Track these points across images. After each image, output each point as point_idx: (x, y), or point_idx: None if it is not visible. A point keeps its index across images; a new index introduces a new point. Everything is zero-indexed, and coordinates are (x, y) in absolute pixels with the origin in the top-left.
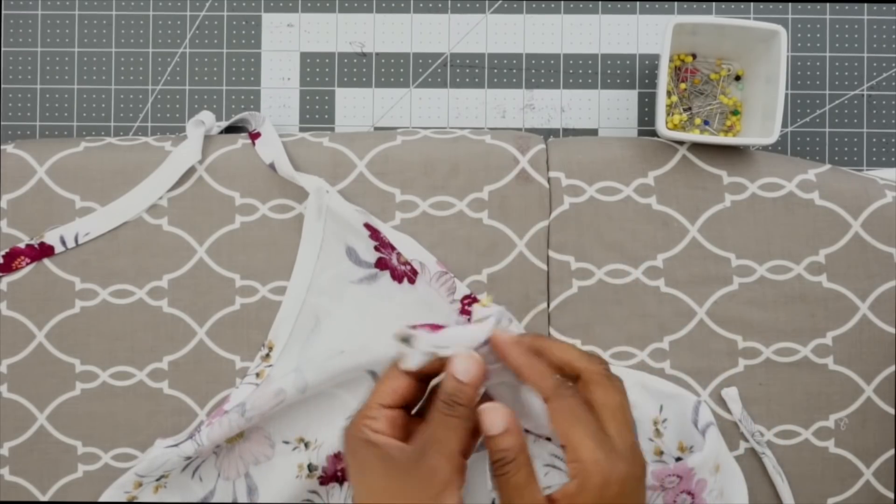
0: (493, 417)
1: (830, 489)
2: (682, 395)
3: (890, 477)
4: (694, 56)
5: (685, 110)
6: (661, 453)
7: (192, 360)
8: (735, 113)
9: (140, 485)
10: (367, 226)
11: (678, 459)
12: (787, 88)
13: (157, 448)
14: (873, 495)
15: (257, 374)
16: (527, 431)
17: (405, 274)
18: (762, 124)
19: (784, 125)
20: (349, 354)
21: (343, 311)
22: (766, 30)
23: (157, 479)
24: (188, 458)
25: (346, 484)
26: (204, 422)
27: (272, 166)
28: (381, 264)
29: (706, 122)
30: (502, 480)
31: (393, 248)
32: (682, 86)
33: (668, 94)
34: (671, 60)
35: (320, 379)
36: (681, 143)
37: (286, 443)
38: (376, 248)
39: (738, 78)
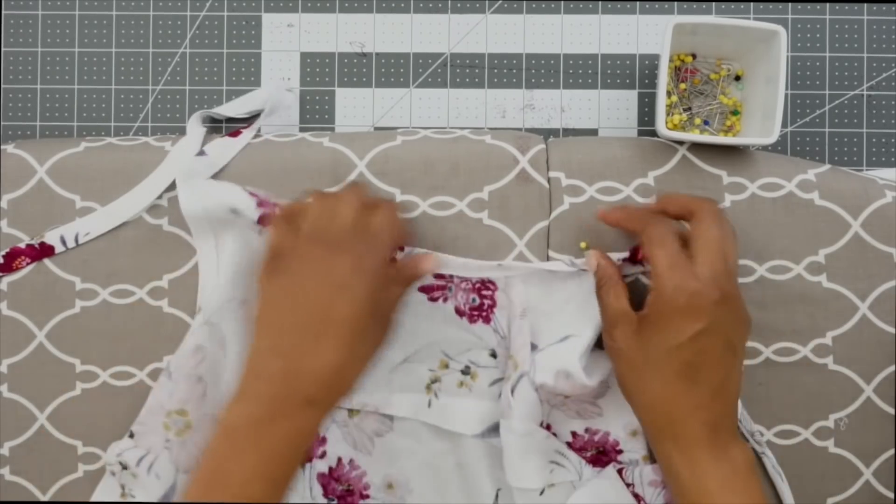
0: (589, 260)
1: (830, 489)
2: None
3: (890, 477)
4: (694, 56)
5: (685, 110)
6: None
7: None
8: (735, 113)
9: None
10: (249, 192)
11: None
12: (787, 88)
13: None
14: (873, 495)
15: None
16: (547, 427)
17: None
18: (762, 124)
19: (784, 125)
20: (253, 302)
21: (238, 258)
22: (766, 30)
23: (122, 488)
24: (131, 434)
25: (307, 465)
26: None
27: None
28: (263, 221)
29: (706, 122)
30: (600, 297)
31: (275, 205)
32: (682, 86)
33: (668, 94)
34: (671, 60)
35: (236, 328)
36: (681, 142)
37: None
38: (258, 205)
39: (737, 78)
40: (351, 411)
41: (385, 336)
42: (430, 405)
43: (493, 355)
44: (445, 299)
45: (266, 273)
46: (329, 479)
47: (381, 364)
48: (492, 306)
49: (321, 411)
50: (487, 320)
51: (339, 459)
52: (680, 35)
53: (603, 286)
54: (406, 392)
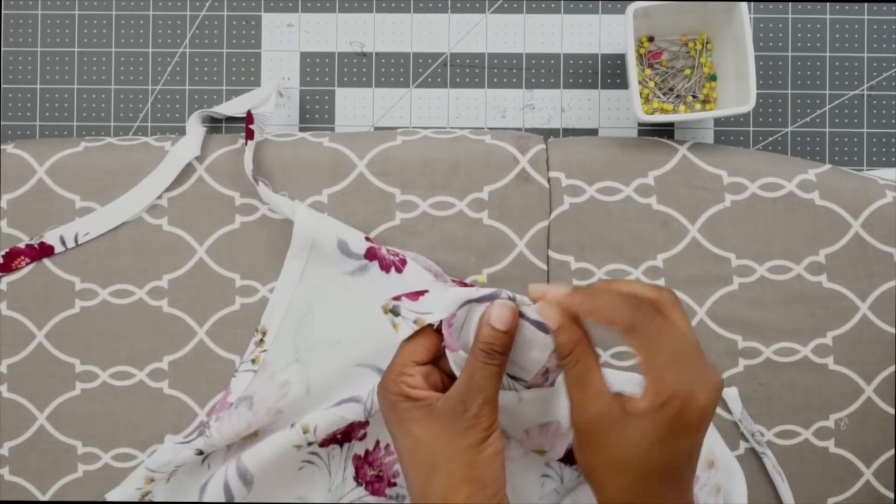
0: (546, 314)
1: (830, 489)
2: None
3: (890, 477)
4: (651, 39)
5: (668, 91)
6: None
7: (192, 360)
8: (713, 79)
9: (152, 480)
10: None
11: None
12: (756, 51)
13: (167, 444)
14: (873, 495)
15: (253, 361)
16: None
17: (393, 263)
18: (737, 88)
19: (784, 125)
20: (347, 345)
21: (335, 301)
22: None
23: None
24: (200, 452)
25: (346, 445)
26: (211, 416)
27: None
28: (370, 254)
29: (694, 96)
30: (565, 372)
31: (380, 244)
32: (648, 71)
33: (643, 82)
34: (641, 45)
35: (325, 373)
36: (664, 125)
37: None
38: (367, 238)
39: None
40: None
41: (488, 442)
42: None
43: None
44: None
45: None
46: (363, 463)
47: None
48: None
49: None
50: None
51: (378, 442)
52: (635, 19)
53: (564, 357)
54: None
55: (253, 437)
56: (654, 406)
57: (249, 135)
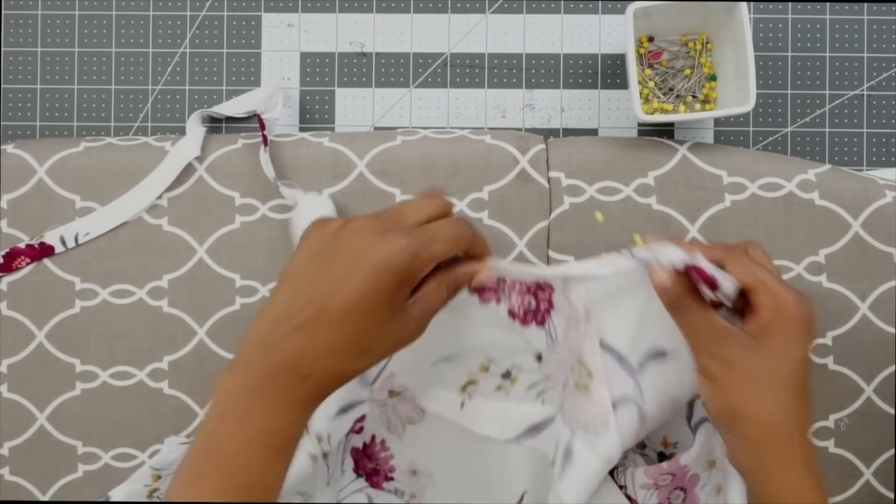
0: (655, 276)
1: (830, 489)
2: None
3: (890, 477)
4: (651, 39)
5: (668, 91)
6: (644, 446)
7: (192, 360)
8: (713, 79)
9: (159, 478)
10: None
11: (660, 454)
12: (755, 51)
13: (168, 444)
14: (873, 495)
15: None
16: None
17: None
18: (737, 88)
19: (784, 125)
20: None
21: None
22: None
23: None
24: None
25: (343, 437)
26: None
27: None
28: None
29: (694, 96)
30: (683, 314)
31: None
32: (647, 71)
33: (643, 82)
34: (641, 45)
35: None
36: (664, 125)
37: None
38: None
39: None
40: (392, 392)
41: (407, 336)
42: (462, 406)
43: (538, 358)
44: (498, 300)
45: (312, 226)
46: (362, 455)
47: (424, 356)
48: (549, 309)
49: (319, 388)
50: (542, 322)
51: (373, 437)
52: (635, 19)
53: (682, 304)
54: (441, 388)
55: None
56: (771, 317)
57: (265, 141)
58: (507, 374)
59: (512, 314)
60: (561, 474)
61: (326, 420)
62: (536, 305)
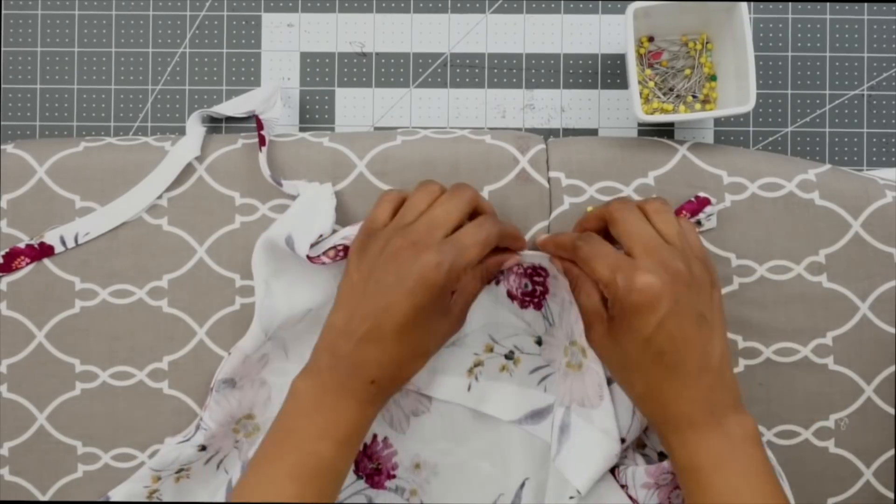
0: (555, 262)
1: (830, 489)
2: None
3: (890, 477)
4: (651, 39)
5: (668, 91)
6: (644, 446)
7: (192, 360)
8: (713, 79)
9: (158, 479)
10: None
11: (661, 454)
12: (755, 51)
13: (166, 445)
14: (873, 495)
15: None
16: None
17: (338, 255)
18: (737, 88)
19: (784, 125)
20: (317, 310)
21: (291, 273)
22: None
23: (177, 472)
24: (202, 447)
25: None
26: (204, 412)
27: (277, 182)
28: (311, 260)
29: (694, 96)
30: (574, 297)
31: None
32: (648, 71)
33: (643, 82)
34: (640, 45)
35: (300, 339)
36: (664, 125)
37: None
38: (309, 258)
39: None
40: None
41: (454, 329)
42: (469, 388)
43: (539, 342)
44: (497, 282)
45: (355, 249)
46: (362, 456)
47: None
48: (544, 293)
49: (384, 390)
50: (539, 307)
51: (375, 436)
52: (635, 19)
53: (575, 286)
54: (448, 374)
55: (256, 431)
56: (615, 310)
57: (262, 141)
58: (509, 355)
59: (510, 295)
60: (559, 449)
61: None
62: (533, 288)
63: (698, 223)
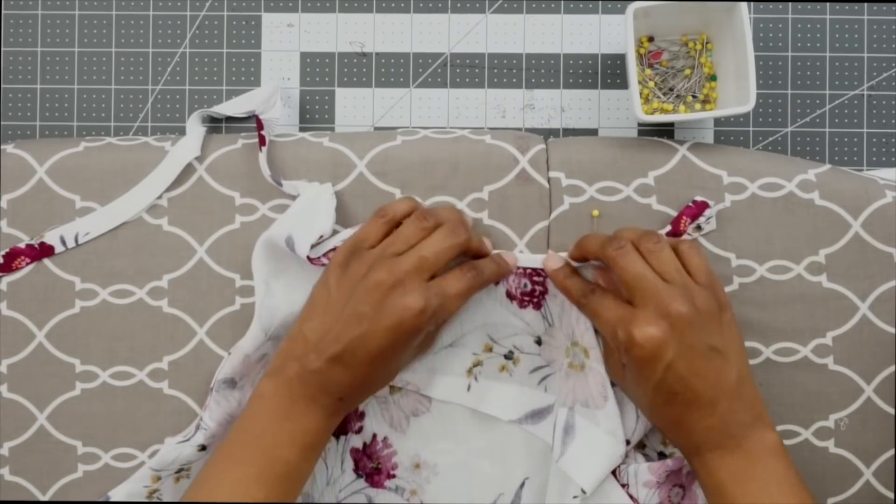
0: (555, 281)
1: (830, 489)
2: None
3: (890, 477)
4: (651, 39)
5: (668, 91)
6: (644, 446)
7: (192, 360)
8: (713, 79)
9: (158, 479)
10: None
11: (660, 454)
12: (755, 51)
13: (166, 445)
14: (873, 495)
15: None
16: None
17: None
18: (737, 88)
19: (784, 125)
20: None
21: (291, 274)
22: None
23: (177, 472)
24: (203, 447)
25: (342, 438)
26: (204, 411)
27: (278, 182)
28: (312, 261)
29: (694, 96)
30: (590, 313)
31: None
32: (647, 71)
33: (643, 82)
34: (640, 45)
35: None
36: (664, 125)
37: None
38: (308, 258)
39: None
40: (392, 388)
41: (424, 352)
42: (469, 388)
43: (538, 342)
44: (497, 282)
45: (338, 261)
46: (362, 455)
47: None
48: (543, 293)
49: (350, 406)
50: (538, 307)
51: (374, 436)
52: (635, 19)
53: (585, 304)
54: (447, 375)
55: None
56: (625, 358)
57: (262, 141)
58: (509, 355)
59: (510, 295)
60: (563, 450)
61: None
62: (532, 289)
63: (698, 227)
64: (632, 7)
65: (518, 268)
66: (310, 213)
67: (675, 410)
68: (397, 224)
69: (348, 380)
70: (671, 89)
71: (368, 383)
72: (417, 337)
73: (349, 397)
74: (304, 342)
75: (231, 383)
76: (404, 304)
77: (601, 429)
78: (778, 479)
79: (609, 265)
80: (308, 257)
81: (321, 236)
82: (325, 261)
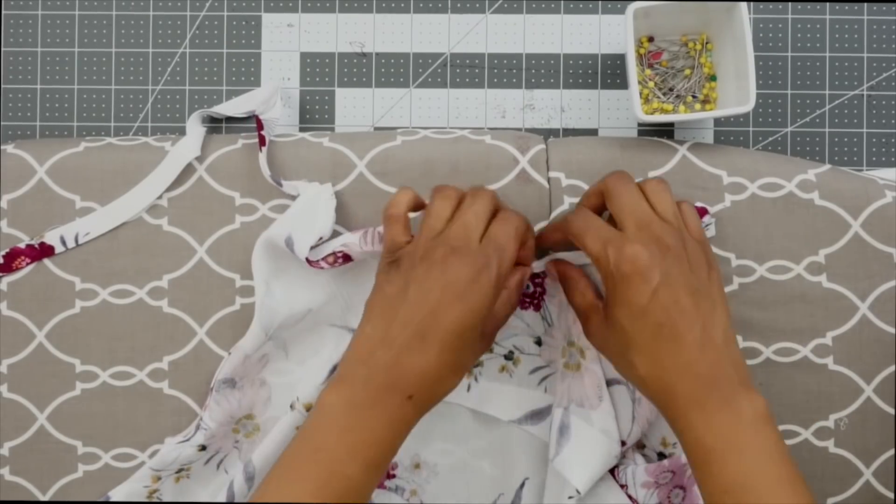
0: (549, 270)
1: (830, 489)
2: None
3: (890, 477)
4: (651, 39)
5: (668, 91)
6: (643, 446)
7: (192, 360)
8: (713, 79)
9: (158, 479)
10: (310, 255)
11: (660, 454)
12: (755, 51)
13: (166, 445)
14: (873, 495)
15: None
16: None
17: (336, 261)
18: (737, 88)
19: (784, 125)
20: (316, 311)
21: (291, 273)
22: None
23: (177, 472)
24: (202, 447)
25: None
26: (204, 412)
27: (277, 182)
28: (310, 264)
29: (694, 96)
30: (570, 301)
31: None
32: (647, 71)
33: (643, 82)
34: (640, 45)
35: (299, 338)
36: (664, 125)
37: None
38: (307, 259)
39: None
40: None
41: (484, 351)
42: (469, 389)
43: (538, 343)
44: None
45: (383, 268)
46: None
47: None
48: (542, 294)
49: (419, 407)
50: (538, 307)
51: None
52: (635, 19)
53: (568, 289)
54: None
55: (256, 432)
56: (607, 289)
57: (262, 141)
58: (509, 356)
59: None
60: (558, 450)
61: (313, 388)
62: (532, 290)
63: None
64: (632, 7)
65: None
66: (309, 214)
67: (660, 348)
68: (407, 220)
69: (421, 367)
70: (671, 89)
71: (440, 374)
72: (490, 307)
73: (420, 394)
74: (368, 340)
75: (231, 383)
76: (470, 267)
77: (596, 428)
78: (770, 450)
79: (607, 194)
80: (307, 259)
81: (321, 238)
82: (323, 264)
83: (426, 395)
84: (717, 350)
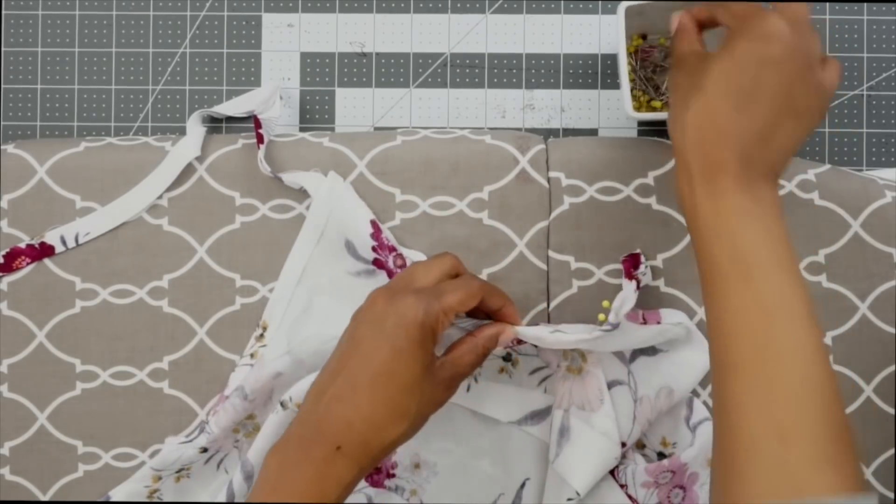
0: (672, 20)
1: None
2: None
3: (890, 477)
4: (644, 37)
5: (655, 88)
6: (644, 446)
7: (192, 360)
8: None
9: (159, 478)
10: (373, 223)
11: (660, 454)
12: None
13: (168, 445)
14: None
15: (252, 355)
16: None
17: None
18: None
19: None
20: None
21: (337, 298)
22: None
23: (178, 472)
24: (204, 449)
25: None
26: (210, 415)
27: (277, 177)
28: (377, 264)
29: None
30: (673, 46)
31: (392, 250)
32: (640, 70)
33: (634, 80)
34: (631, 41)
35: (317, 364)
36: (664, 125)
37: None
38: (374, 249)
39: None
40: None
41: (442, 398)
42: (468, 389)
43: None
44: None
45: (353, 317)
46: None
47: None
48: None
49: (354, 459)
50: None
51: None
52: (628, 18)
53: (677, 37)
54: None
55: (256, 432)
56: (732, 29)
57: (260, 139)
58: (507, 357)
59: None
60: (558, 452)
61: (302, 382)
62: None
63: (637, 284)
64: (623, 6)
65: (515, 340)
66: (349, 213)
67: (721, 108)
68: None
69: (346, 415)
70: (664, 87)
71: (373, 421)
72: (422, 346)
73: (349, 444)
74: (308, 397)
75: (242, 392)
76: (397, 305)
77: (596, 430)
78: (777, 233)
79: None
80: (373, 248)
81: (372, 220)
82: (390, 264)
83: (357, 445)
84: (769, 148)
